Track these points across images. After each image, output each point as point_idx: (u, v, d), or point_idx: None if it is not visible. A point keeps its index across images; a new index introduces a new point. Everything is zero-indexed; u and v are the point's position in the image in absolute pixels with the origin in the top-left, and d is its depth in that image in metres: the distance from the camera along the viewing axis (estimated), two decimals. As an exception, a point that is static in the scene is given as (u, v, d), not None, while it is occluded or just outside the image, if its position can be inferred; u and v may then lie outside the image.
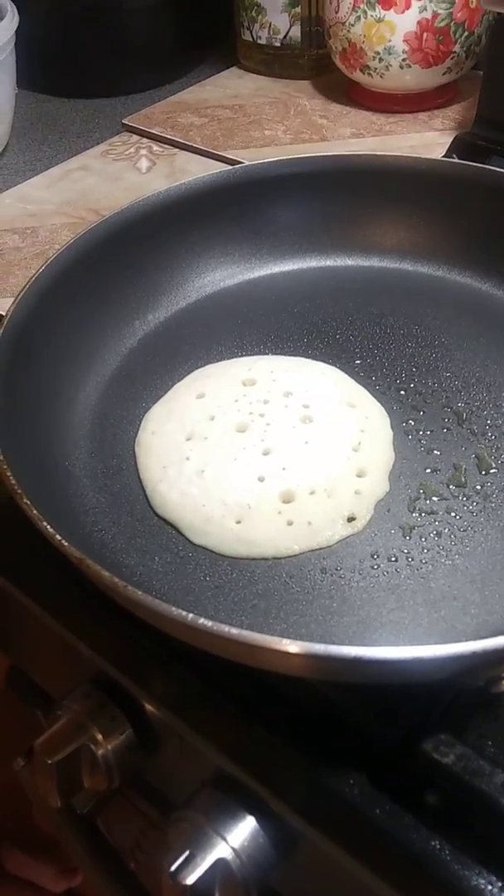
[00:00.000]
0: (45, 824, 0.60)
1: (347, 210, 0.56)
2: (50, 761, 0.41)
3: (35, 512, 0.33)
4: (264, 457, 0.42)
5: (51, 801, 0.43)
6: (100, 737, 0.41)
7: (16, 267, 0.63)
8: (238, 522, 0.40)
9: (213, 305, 0.54)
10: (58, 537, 0.32)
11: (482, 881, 0.31)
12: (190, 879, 0.36)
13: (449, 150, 0.68)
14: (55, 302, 0.46)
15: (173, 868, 0.36)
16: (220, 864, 0.36)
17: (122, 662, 0.41)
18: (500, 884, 0.31)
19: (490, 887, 0.31)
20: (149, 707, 0.42)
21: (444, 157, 0.67)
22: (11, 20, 0.73)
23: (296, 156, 0.55)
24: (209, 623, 0.29)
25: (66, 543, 0.32)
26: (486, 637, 0.29)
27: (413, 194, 0.54)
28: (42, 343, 0.45)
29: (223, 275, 0.55)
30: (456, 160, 0.56)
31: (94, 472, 0.44)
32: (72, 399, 0.46)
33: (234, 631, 0.29)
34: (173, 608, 0.30)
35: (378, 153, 0.55)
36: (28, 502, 0.34)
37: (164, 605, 0.30)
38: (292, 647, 0.29)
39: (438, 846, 0.32)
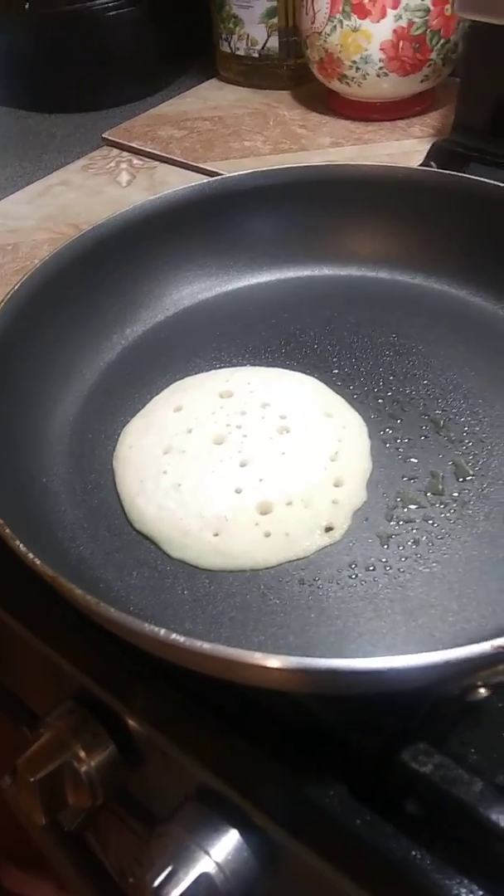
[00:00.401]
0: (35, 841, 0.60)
1: (324, 220, 0.56)
2: (33, 779, 0.41)
3: (8, 531, 0.33)
4: (241, 468, 0.42)
5: (35, 818, 0.42)
6: (82, 753, 0.41)
7: (-4, 283, 0.63)
8: (215, 535, 0.40)
9: (191, 318, 0.54)
10: (30, 556, 0.32)
11: (463, 890, 0.31)
12: (173, 895, 0.35)
13: (427, 157, 0.68)
14: (32, 318, 0.47)
15: (156, 883, 0.36)
16: (203, 878, 0.36)
17: (103, 679, 0.41)
18: (480, 892, 0.31)
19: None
20: (131, 723, 0.42)
21: (421, 164, 0.68)
22: (-11, 38, 0.73)
23: (270, 167, 0.55)
24: (181, 638, 0.29)
25: (38, 562, 0.32)
26: (462, 644, 0.29)
27: (389, 203, 0.54)
28: (19, 359, 0.45)
29: (201, 287, 0.55)
30: (430, 168, 0.57)
31: (71, 488, 0.44)
32: (49, 414, 0.46)
33: (207, 646, 0.29)
34: (146, 624, 0.30)
35: (352, 163, 0.55)
36: (1, 521, 0.34)
37: (136, 621, 0.30)
38: (265, 660, 0.29)
39: (419, 855, 0.32)
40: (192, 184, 0.54)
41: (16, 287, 0.46)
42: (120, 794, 0.46)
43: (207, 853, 0.37)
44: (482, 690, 0.31)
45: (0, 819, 0.66)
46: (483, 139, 0.67)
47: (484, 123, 0.68)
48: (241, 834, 0.38)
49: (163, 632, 0.30)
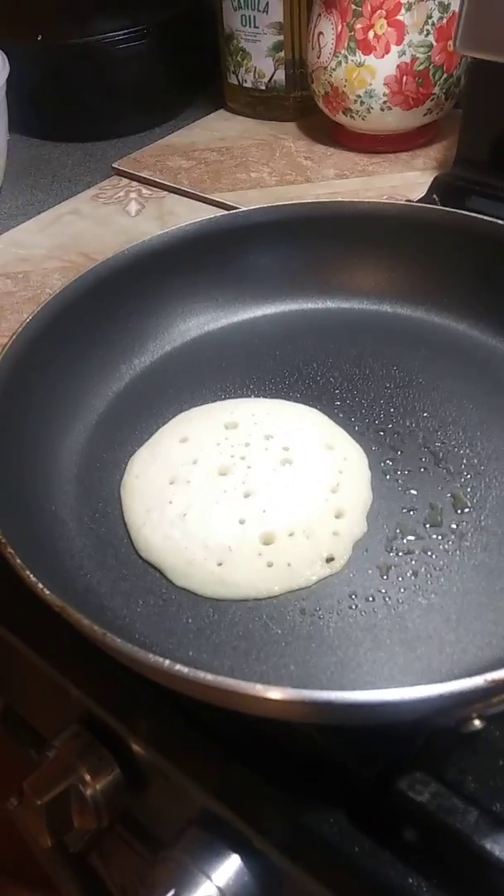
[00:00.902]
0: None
1: (328, 254, 0.57)
2: (39, 802, 0.42)
3: (18, 561, 0.34)
4: (245, 499, 0.43)
5: (41, 841, 0.43)
6: (88, 776, 0.42)
7: (8, 311, 0.64)
8: (219, 565, 0.41)
9: (197, 349, 0.55)
10: (40, 586, 0.33)
11: (458, 918, 0.32)
12: (175, 919, 0.36)
13: (429, 190, 0.70)
14: (43, 349, 0.48)
15: (159, 907, 0.37)
16: (205, 902, 0.37)
17: (109, 703, 0.42)
18: (474, 920, 0.32)
19: (465, 924, 0.32)
20: (135, 747, 0.42)
21: (424, 197, 0.69)
22: (2, 69, 0.75)
23: (276, 203, 0.57)
24: (185, 669, 0.30)
25: (47, 592, 0.33)
26: (459, 676, 0.30)
27: (391, 238, 0.56)
28: (30, 388, 0.47)
29: (207, 319, 0.57)
30: (430, 206, 0.58)
31: (79, 516, 0.45)
32: (59, 444, 0.48)
33: (210, 677, 0.30)
34: (150, 655, 0.31)
35: (355, 200, 0.56)
36: (11, 551, 0.35)
37: (141, 651, 0.31)
38: (265, 692, 0.30)
39: (416, 883, 0.33)
40: (201, 218, 0.56)
41: (27, 320, 0.48)
42: (125, 818, 0.47)
43: (209, 877, 0.38)
44: (477, 722, 0.32)
45: (5, 839, 0.67)
46: (485, 173, 0.69)
47: (486, 157, 0.69)
48: (243, 859, 0.38)
49: (167, 663, 0.31)
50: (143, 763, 0.43)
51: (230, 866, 0.38)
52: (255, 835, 0.38)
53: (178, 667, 0.30)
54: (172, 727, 0.39)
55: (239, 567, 0.41)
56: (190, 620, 0.40)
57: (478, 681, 0.29)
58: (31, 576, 0.34)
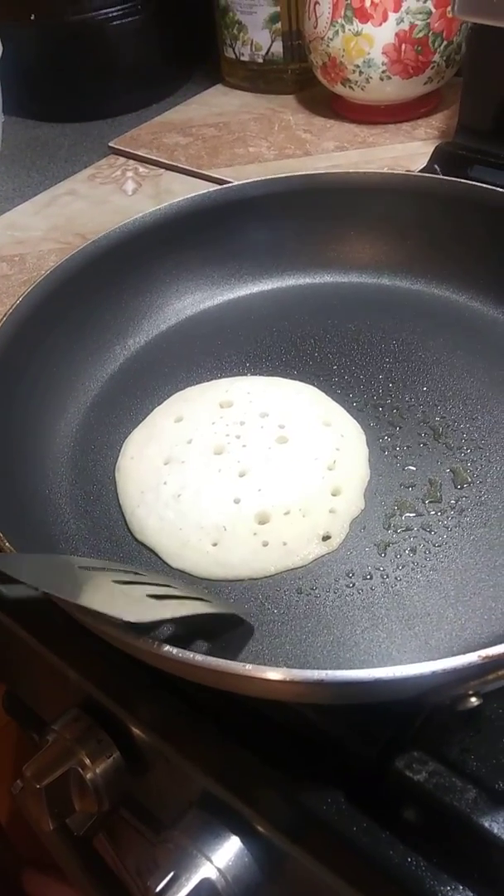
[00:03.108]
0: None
1: (324, 227, 0.56)
2: (39, 785, 0.42)
3: (8, 544, 0.34)
4: (240, 478, 0.43)
5: (42, 824, 0.43)
6: (88, 760, 0.42)
7: (4, 294, 0.64)
8: (214, 545, 0.41)
9: (193, 327, 0.54)
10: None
11: (457, 895, 0.32)
12: (175, 900, 0.36)
13: (430, 160, 0.68)
14: (36, 330, 0.47)
15: (158, 888, 0.36)
16: (205, 884, 0.37)
17: (108, 687, 0.42)
18: (473, 898, 0.32)
19: (464, 902, 0.31)
20: (135, 730, 0.42)
21: (425, 167, 0.68)
22: (-4, 51, 0.74)
23: (270, 176, 0.56)
24: (174, 650, 0.30)
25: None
26: (457, 653, 0.29)
27: (388, 210, 0.55)
28: (23, 370, 0.46)
29: (203, 296, 0.56)
30: (428, 175, 0.57)
31: (74, 499, 0.44)
32: (52, 427, 0.47)
33: (199, 657, 0.30)
34: (141, 637, 0.31)
35: (350, 171, 0.55)
36: (1, 534, 0.35)
37: (131, 633, 0.31)
38: (255, 672, 0.29)
39: (414, 861, 0.33)
40: (193, 194, 0.55)
41: (19, 300, 0.47)
42: (130, 802, 0.47)
43: (209, 859, 0.38)
44: (473, 699, 0.31)
45: (19, 824, 0.67)
46: (486, 141, 0.67)
47: (487, 126, 0.68)
48: (242, 840, 0.38)
49: (156, 643, 0.30)
50: (142, 746, 0.43)
51: (230, 848, 0.38)
52: (255, 816, 0.37)
53: (166, 647, 0.30)
54: (171, 710, 0.39)
55: (234, 547, 0.40)
56: (185, 602, 0.39)
57: (472, 657, 0.29)
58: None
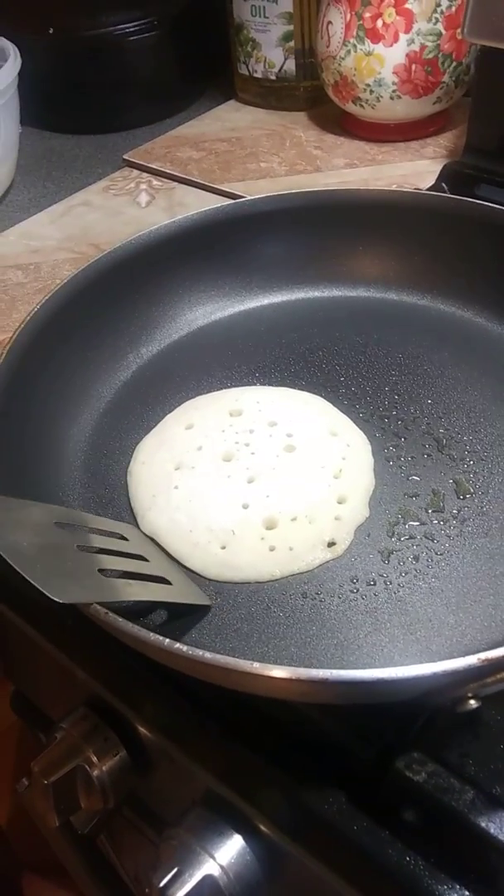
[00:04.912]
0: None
1: (334, 242, 0.57)
2: (46, 782, 0.42)
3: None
4: (249, 485, 0.44)
5: (48, 820, 0.44)
6: (94, 758, 0.43)
7: (19, 302, 0.65)
8: (223, 548, 0.42)
9: (204, 337, 0.56)
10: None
11: (454, 895, 0.32)
12: (178, 895, 0.37)
13: (438, 178, 0.70)
14: (50, 339, 0.48)
15: (162, 884, 0.37)
16: (207, 880, 0.38)
17: (115, 686, 0.43)
18: (470, 897, 0.32)
19: (461, 901, 0.32)
20: (141, 729, 0.43)
21: (433, 185, 0.69)
22: (14, 63, 0.76)
23: (282, 192, 0.57)
24: (184, 648, 0.31)
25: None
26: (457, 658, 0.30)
27: (397, 226, 0.56)
28: (38, 377, 0.47)
29: (215, 307, 0.57)
30: (436, 193, 0.58)
31: (86, 502, 0.45)
32: (66, 432, 0.48)
33: (209, 655, 0.31)
34: (151, 634, 0.32)
35: (360, 188, 0.57)
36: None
37: (142, 630, 0.32)
38: (262, 670, 0.30)
39: (413, 861, 0.33)
40: (207, 208, 0.56)
41: (35, 308, 0.48)
42: (132, 802, 0.48)
43: (212, 856, 0.38)
44: (472, 702, 0.32)
45: (22, 828, 0.68)
46: (494, 161, 0.69)
47: (494, 145, 0.69)
48: (245, 839, 0.39)
49: (167, 641, 0.31)
50: (148, 745, 0.43)
51: (233, 846, 0.39)
52: (257, 815, 0.38)
53: (177, 645, 0.31)
54: (177, 710, 0.40)
55: (242, 550, 0.41)
56: (193, 603, 0.40)
57: (471, 660, 0.30)
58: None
